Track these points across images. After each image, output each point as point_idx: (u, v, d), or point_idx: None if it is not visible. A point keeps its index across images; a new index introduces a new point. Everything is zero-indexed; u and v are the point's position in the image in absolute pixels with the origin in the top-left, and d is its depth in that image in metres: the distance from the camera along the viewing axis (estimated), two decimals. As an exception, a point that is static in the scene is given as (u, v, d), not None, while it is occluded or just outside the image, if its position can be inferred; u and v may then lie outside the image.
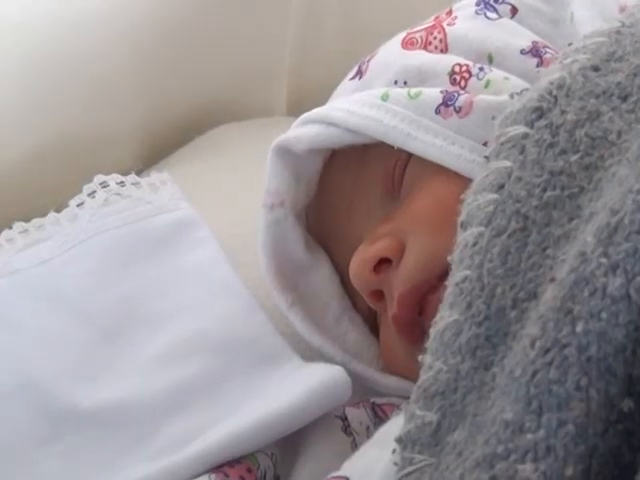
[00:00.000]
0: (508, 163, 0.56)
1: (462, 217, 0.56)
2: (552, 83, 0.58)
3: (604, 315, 0.46)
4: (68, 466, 0.65)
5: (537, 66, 0.69)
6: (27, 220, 0.77)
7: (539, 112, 0.57)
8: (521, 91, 0.62)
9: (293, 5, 0.89)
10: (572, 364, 0.45)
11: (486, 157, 0.58)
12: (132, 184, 0.80)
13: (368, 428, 0.66)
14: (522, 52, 0.70)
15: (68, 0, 0.79)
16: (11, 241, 0.76)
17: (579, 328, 0.46)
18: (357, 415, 0.68)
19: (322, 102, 0.74)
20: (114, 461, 0.65)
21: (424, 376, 0.52)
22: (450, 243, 0.56)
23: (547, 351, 0.46)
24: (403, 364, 0.69)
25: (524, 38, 0.71)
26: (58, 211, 0.78)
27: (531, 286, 0.51)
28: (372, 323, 0.74)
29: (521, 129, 0.57)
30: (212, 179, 0.86)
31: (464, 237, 0.55)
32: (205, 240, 0.77)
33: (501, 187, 0.55)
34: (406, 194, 0.70)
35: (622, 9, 0.68)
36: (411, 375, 0.67)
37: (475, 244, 0.54)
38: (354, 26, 0.83)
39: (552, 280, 0.49)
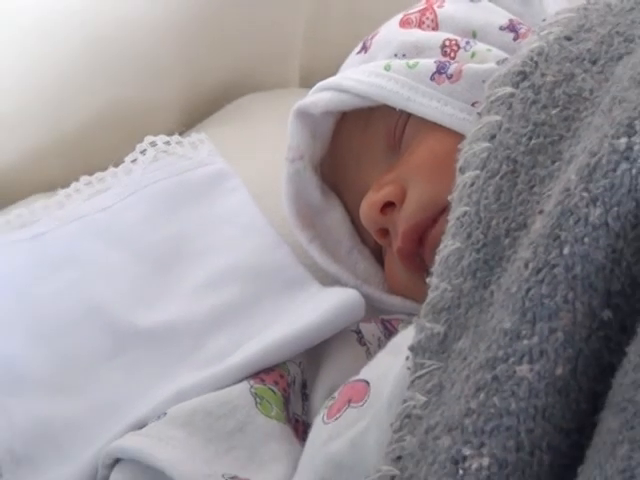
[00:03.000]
0: (498, 117, 0.56)
1: (460, 163, 0.56)
2: (532, 51, 0.58)
3: (587, 240, 0.46)
4: (130, 376, 0.66)
5: (514, 39, 0.69)
6: (91, 174, 0.77)
7: (523, 75, 0.57)
8: (504, 60, 0.62)
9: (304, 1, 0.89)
10: (560, 281, 0.45)
11: (478, 113, 0.58)
12: (176, 143, 0.80)
13: (379, 339, 0.67)
14: (501, 28, 0.70)
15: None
16: (78, 191, 0.77)
17: (566, 251, 0.46)
18: (369, 329, 0.68)
19: (328, 76, 0.74)
20: (168, 371, 0.65)
21: (432, 295, 0.53)
22: (443, 187, 0.57)
23: (539, 271, 0.46)
24: (405, 287, 0.69)
25: (501, 17, 0.71)
26: (116, 166, 0.78)
27: (521, 218, 0.51)
28: (377, 255, 0.74)
29: (508, 89, 0.57)
30: (240, 139, 0.85)
31: (462, 179, 0.55)
32: (237, 188, 0.77)
33: (493, 137, 0.55)
34: (406, 148, 0.70)
35: (585, -10, 0.68)
36: (411, 295, 0.69)
37: (472, 185, 0.54)
38: (356, 13, 0.83)
39: (540, 212, 0.50)
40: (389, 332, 0.67)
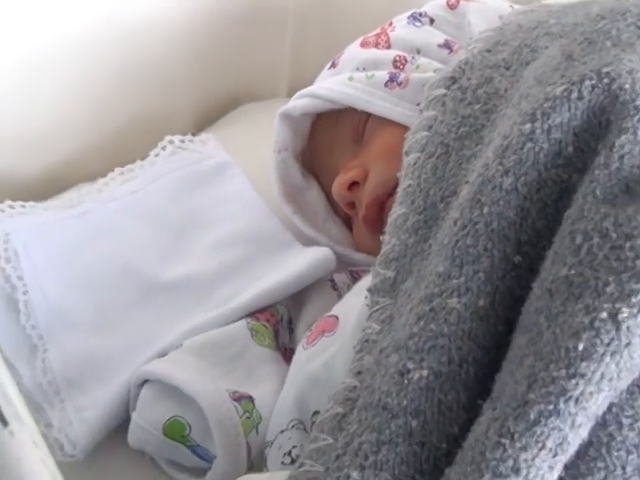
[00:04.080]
0: (434, 112, 0.55)
1: (405, 148, 0.56)
2: (461, 61, 0.57)
3: (501, 202, 0.45)
4: (155, 318, 0.65)
5: (448, 54, 0.68)
6: (123, 166, 0.76)
7: (453, 79, 0.56)
8: (440, 69, 0.61)
9: (289, 29, 0.87)
10: (481, 234, 0.45)
11: (420, 110, 0.57)
12: (189, 141, 0.79)
13: (348, 285, 0.66)
14: (439, 46, 0.69)
15: (143, 14, 0.77)
16: (113, 179, 0.75)
17: (485, 211, 0.45)
18: (340, 278, 0.68)
19: (309, 88, 0.73)
20: (184, 313, 0.64)
21: (384, 248, 0.53)
22: (396, 168, 0.56)
23: (464, 227, 0.46)
24: (368, 246, 0.68)
25: (439, 37, 0.69)
26: (142, 160, 0.77)
27: (452, 188, 0.51)
28: (347, 222, 0.73)
29: (442, 91, 0.56)
30: (240, 138, 0.83)
31: (407, 160, 0.55)
32: (237, 175, 0.76)
33: (430, 127, 0.55)
34: (367, 140, 0.68)
35: (501, 17, 0.67)
36: (373, 252, 0.68)
37: (415, 164, 0.54)
38: (330, 40, 0.82)
39: (466, 182, 0.49)
40: (355, 279, 0.66)
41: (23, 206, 0.71)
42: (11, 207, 0.71)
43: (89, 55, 0.75)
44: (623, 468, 0.39)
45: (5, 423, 0.30)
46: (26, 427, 0.31)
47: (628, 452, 0.39)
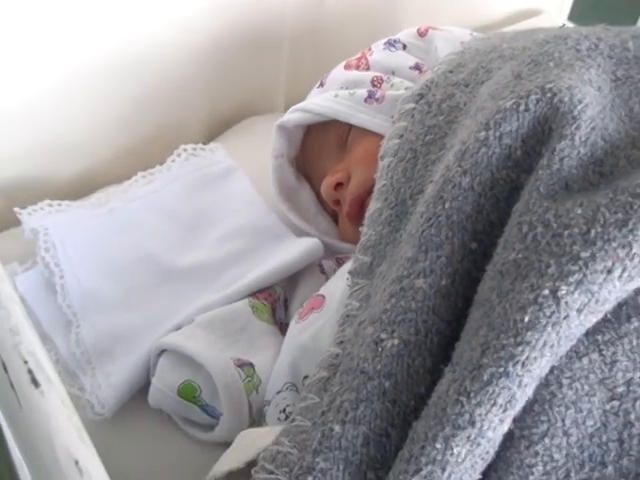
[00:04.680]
0: (405, 123, 0.55)
1: (381, 153, 0.55)
2: (427, 80, 0.57)
3: (460, 198, 0.45)
4: (172, 298, 0.64)
5: (418, 75, 0.67)
6: (144, 170, 0.76)
7: (421, 96, 0.56)
8: (410, 87, 0.61)
9: (284, 54, 0.86)
10: (443, 225, 0.45)
11: (393, 121, 0.56)
12: (200, 149, 0.78)
13: (334, 270, 0.65)
14: (410, 68, 0.68)
15: (163, 42, 0.76)
16: (137, 182, 0.75)
17: (447, 205, 0.45)
18: (328, 263, 0.67)
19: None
20: (196, 294, 0.64)
21: (362, 238, 0.52)
22: (374, 171, 0.55)
23: (429, 219, 0.45)
24: (351, 236, 0.67)
25: (411, 60, 0.69)
26: (161, 164, 0.76)
27: (419, 187, 0.51)
28: (334, 217, 0.73)
29: (411, 105, 0.55)
30: (244, 147, 0.83)
31: (382, 164, 0.54)
32: (241, 178, 0.75)
33: (401, 136, 0.54)
34: (349, 148, 0.68)
35: (462, 43, 0.66)
36: (355, 242, 0.67)
37: (388, 166, 0.53)
38: (319, 63, 0.81)
39: (431, 182, 0.49)
40: (340, 265, 0.66)
41: (60, 204, 0.71)
42: (50, 205, 0.70)
43: (117, 76, 0.75)
44: (563, 421, 0.39)
45: (37, 384, 0.30)
46: (54, 388, 0.31)
47: (567, 407, 0.39)
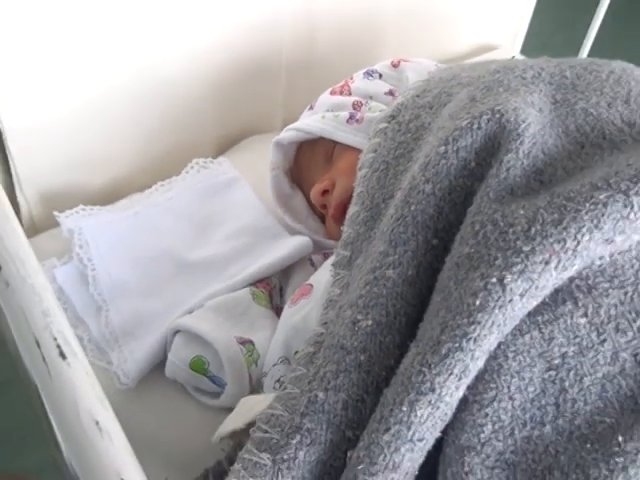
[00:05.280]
0: (379, 140, 0.55)
1: (359, 165, 0.55)
2: (398, 104, 0.57)
3: (424, 202, 0.45)
4: (185, 287, 0.64)
5: (392, 99, 0.67)
6: (163, 180, 0.75)
7: (392, 117, 0.56)
8: (383, 110, 0.61)
9: (282, 81, 0.86)
10: (409, 224, 0.45)
11: (369, 138, 0.56)
12: (210, 162, 0.78)
13: (321, 263, 0.65)
14: (385, 93, 0.68)
15: (181, 71, 0.76)
16: (157, 190, 0.74)
17: (412, 208, 0.45)
18: (317, 257, 0.67)
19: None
20: (205, 284, 0.64)
21: (343, 236, 0.52)
22: (354, 181, 0.55)
23: (398, 219, 0.45)
24: (336, 235, 0.66)
25: (386, 87, 0.69)
26: (177, 175, 0.76)
27: (391, 193, 0.50)
28: (322, 219, 0.73)
29: (384, 124, 0.55)
30: (248, 161, 0.82)
31: (360, 174, 0.54)
32: (244, 186, 0.75)
33: (376, 150, 0.54)
34: (334, 161, 0.68)
35: (429, 72, 0.66)
36: (339, 239, 0.67)
37: (365, 176, 0.53)
38: (311, 89, 0.80)
39: (400, 189, 0.48)
40: (326, 259, 0.66)
41: (92, 209, 0.71)
42: (83, 210, 0.70)
43: (140, 99, 0.74)
44: (508, 388, 0.39)
45: (64, 357, 0.30)
46: (79, 361, 0.31)
47: (512, 376, 0.39)
